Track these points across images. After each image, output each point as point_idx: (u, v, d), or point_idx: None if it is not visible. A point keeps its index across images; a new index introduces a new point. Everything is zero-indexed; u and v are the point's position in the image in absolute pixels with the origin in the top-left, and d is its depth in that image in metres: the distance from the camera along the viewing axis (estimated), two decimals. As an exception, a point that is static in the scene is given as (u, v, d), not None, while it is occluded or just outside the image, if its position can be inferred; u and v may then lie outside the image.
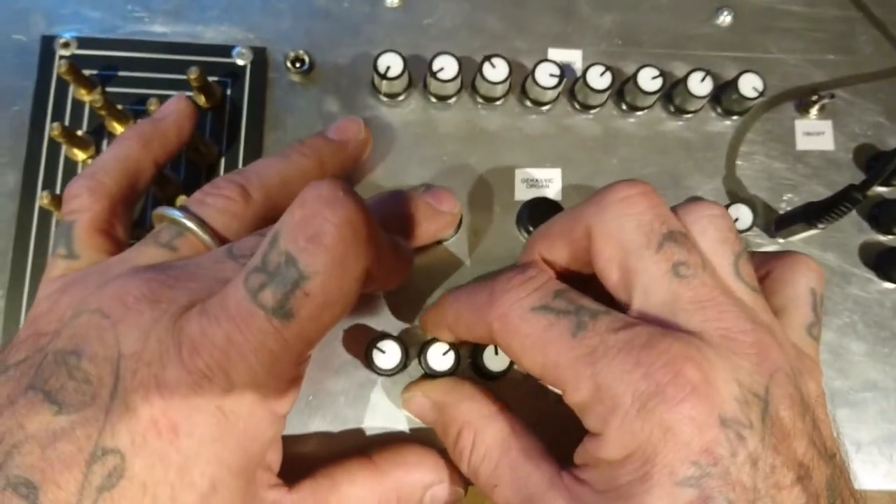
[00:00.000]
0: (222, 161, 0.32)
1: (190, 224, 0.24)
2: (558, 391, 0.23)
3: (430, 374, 0.30)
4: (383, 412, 0.30)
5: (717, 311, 0.21)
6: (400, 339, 0.29)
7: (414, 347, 0.30)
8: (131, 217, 0.27)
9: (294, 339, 0.20)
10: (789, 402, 0.21)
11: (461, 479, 0.29)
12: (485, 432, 0.26)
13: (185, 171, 0.32)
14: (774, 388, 0.21)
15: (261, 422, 0.21)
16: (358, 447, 0.29)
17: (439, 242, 0.32)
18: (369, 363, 0.29)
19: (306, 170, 0.28)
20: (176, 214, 0.24)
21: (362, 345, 0.29)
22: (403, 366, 0.29)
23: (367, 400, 0.30)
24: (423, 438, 0.30)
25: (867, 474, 0.31)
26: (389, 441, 0.30)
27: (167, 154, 0.28)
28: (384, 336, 0.29)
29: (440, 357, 0.29)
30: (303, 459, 0.29)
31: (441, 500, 0.28)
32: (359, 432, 0.30)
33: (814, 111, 0.35)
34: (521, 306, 0.23)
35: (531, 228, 0.32)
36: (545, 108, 0.33)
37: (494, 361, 0.29)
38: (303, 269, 0.20)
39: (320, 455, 0.29)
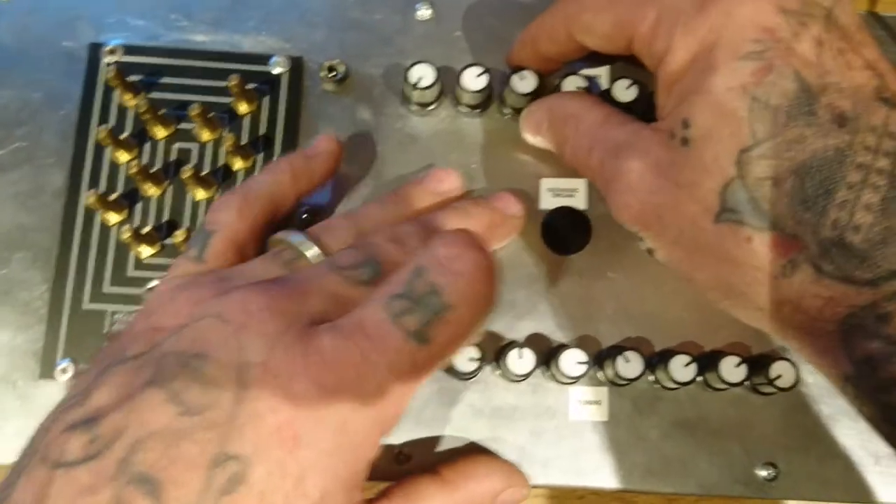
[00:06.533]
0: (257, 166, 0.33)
1: (310, 250, 0.25)
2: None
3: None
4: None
5: None
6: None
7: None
8: (261, 245, 0.28)
9: (423, 362, 0.21)
10: (852, 18, 0.23)
11: (525, 481, 0.29)
12: (587, 116, 0.30)
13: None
14: (837, 8, 0.23)
15: (373, 440, 0.21)
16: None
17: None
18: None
19: (398, 216, 0.29)
20: (297, 239, 0.25)
21: None
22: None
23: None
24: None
25: (886, 486, 0.31)
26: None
27: (309, 191, 0.30)
28: None
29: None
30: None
31: (510, 503, 0.29)
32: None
33: None
34: None
35: (556, 238, 0.33)
36: (571, 119, 0.34)
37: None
38: (446, 299, 0.21)
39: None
